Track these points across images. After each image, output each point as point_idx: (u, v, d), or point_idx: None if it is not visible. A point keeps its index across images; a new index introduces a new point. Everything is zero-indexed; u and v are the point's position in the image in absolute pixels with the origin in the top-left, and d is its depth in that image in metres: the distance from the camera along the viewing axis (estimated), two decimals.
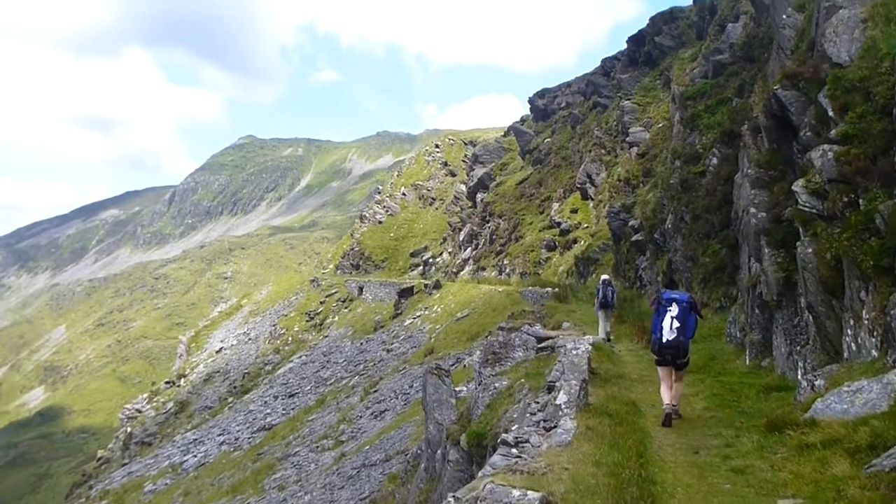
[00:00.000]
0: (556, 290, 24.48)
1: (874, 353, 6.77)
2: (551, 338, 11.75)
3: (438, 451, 10.17)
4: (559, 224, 40.60)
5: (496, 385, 8.58)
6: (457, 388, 12.38)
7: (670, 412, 7.65)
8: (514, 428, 6.26)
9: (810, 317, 8.35)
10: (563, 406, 6.31)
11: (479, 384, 9.27)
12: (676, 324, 7.81)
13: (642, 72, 43.50)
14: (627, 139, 36.47)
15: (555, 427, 5.94)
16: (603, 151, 40.41)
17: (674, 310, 7.85)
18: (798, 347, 8.92)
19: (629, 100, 39.73)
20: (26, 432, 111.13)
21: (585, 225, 38.79)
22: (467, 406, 9.70)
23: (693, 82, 24.40)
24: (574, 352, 8.33)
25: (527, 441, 5.58)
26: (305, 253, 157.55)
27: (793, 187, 8.54)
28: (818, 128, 8.76)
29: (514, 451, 5.36)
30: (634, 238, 23.78)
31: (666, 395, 7.80)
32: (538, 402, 6.72)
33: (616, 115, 40.64)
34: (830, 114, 8.36)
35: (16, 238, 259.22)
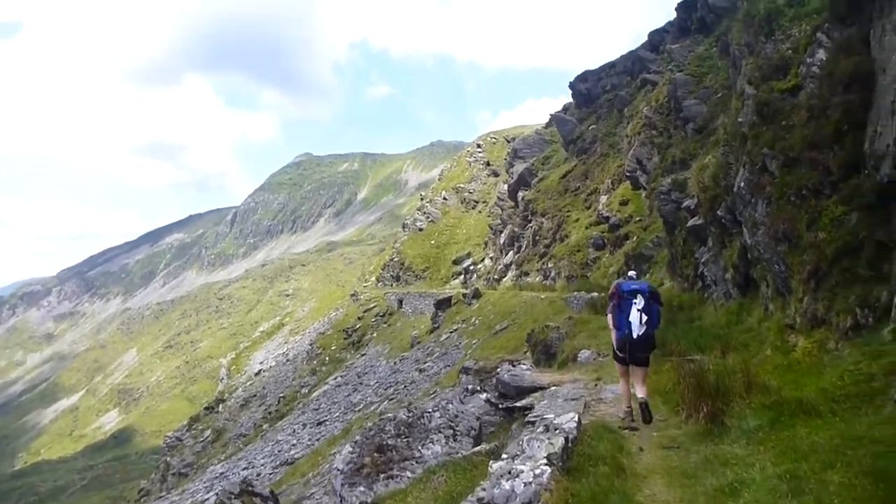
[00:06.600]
0: (594, 296, 19.82)
1: None
2: (540, 388, 7.32)
3: None
4: (608, 219, 35.64)
5: None
6: None
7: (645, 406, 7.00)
8: None
9: None
10: None
11: None
12: (644, 316, 7.10)
13: (695, 40, 37.99)
14: (682, 115, 31.27)
15: None
16: (654, 132, 35.15)
17: (639, 301, 7.14)
18: None
19: (682, 72, 34.44)
20: (102, 455, 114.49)
21: (637, 218, 33.70)
22: None
23: None
24: (502, 486, 3.62)
25: None
26: (364, 266, 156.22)
27: None
28: None
29: None
30: (691, 223, 18.54)
31: (627, 395, 7.26)
32: None
33: (667, 91, 35.35)
34: None
35: (88, 266, 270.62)
